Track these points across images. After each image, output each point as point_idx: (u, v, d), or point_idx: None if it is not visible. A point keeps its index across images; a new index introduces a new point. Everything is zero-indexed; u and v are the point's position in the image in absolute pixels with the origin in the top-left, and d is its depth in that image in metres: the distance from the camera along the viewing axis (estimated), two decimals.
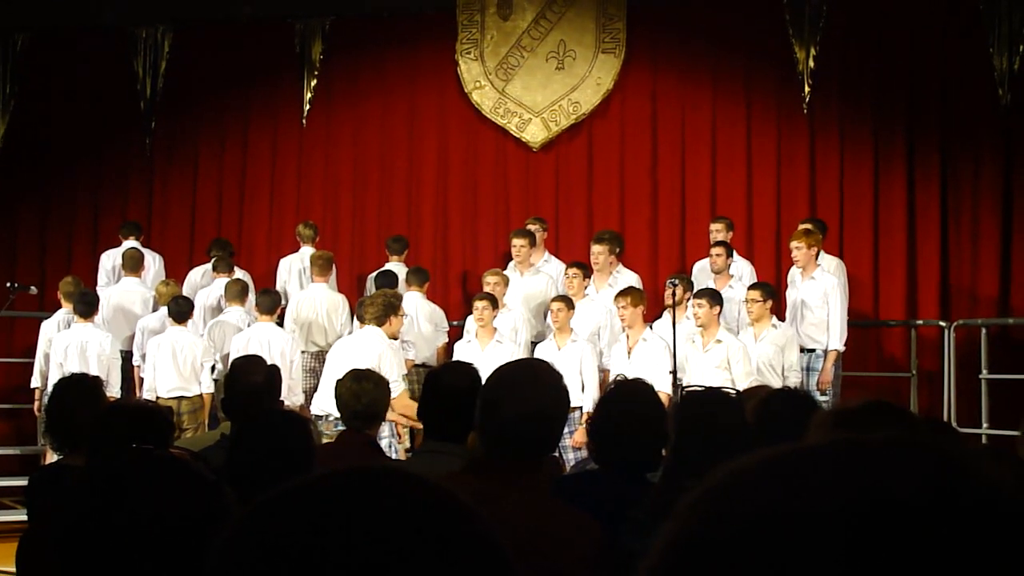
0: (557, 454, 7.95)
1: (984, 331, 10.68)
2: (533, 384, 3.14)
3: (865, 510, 0.67)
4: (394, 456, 8.06)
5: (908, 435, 0.72)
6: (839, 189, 11.87)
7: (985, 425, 10.30)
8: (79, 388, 5.00)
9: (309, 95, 13.07)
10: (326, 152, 13.08)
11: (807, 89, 11.91)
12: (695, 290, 9.79)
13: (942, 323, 11.06)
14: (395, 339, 8.94)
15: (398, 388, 8.50)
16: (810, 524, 0.68)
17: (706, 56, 12.28)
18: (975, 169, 11.51)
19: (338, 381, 5.44)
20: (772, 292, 9.74)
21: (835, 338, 9.79)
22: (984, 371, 10.52)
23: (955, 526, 0.67)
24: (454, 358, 9.54)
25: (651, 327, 9.67)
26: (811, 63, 11.91)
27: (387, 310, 8.78)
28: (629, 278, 10.64)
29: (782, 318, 10.03)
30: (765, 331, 9.43)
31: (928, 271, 11.58)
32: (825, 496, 0.69)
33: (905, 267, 11.62)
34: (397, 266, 11.35)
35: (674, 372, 9.08)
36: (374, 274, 11.17)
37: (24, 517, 5.67)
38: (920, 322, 11.32)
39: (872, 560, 0.66)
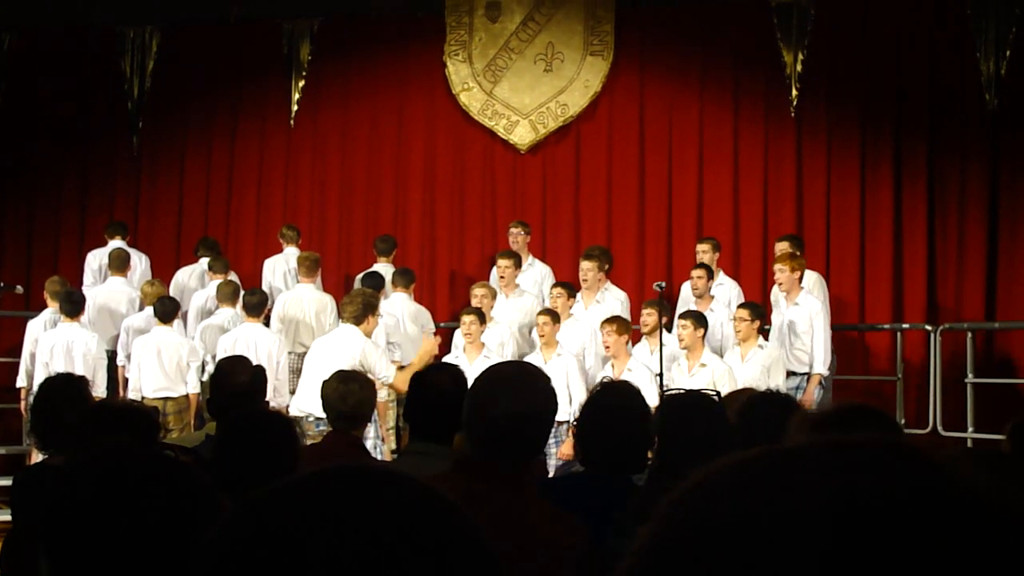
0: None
1: (970, 335, 10.70)
2: (523, 384, 3.14)
3: (842, 512, 0.68)
4: (379, 457, 8.06)
5: (885, 436, 0.73)
6: (826, 192, 11.89)
7: (971, 429, 10.33)
8: (65, 388, 4.99)
9: (297, 96, 13.06)
10: (314, 153, 13.07)
11: (795, 93, 11.94)
12: (681, 311, 9.80)
13: (928, 327, 11.07)
14: (369, 337, 8.95)
15: (392, 372, 8.61)
16: (787, 525, 0.68)
17: (694, 59, 12.30)
18: (962, 173, 11.54)
19: (324, 382, 5.43)
20: (761, 312, 9.74)
21: (819, 362, 9.71)
22: (970, 375, 10.54)
23: (931, 527, 0.67)
24: None
25: (632, 356, 9.64)
26: (799, 67, 11.93)
27: (366, 309, 8.84)
28: (617, 295, 10.60)
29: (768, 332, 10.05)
30: (751, 351, 9.42)
31: (914, 275, 11.61)
32: (802, 497, 0.69)
33: (891, 271, 11.64)
34: (384, 267, 11.33)
35: (660, 375, 9.09)
36: (361, 275, 11.15)
37: (8, 517, 5.65)
38: (906, 326, 11.33)
39: (849, 561, 0.66)
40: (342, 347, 8.57)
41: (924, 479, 0.70)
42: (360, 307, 8.83)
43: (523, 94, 12.56)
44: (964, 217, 11.51)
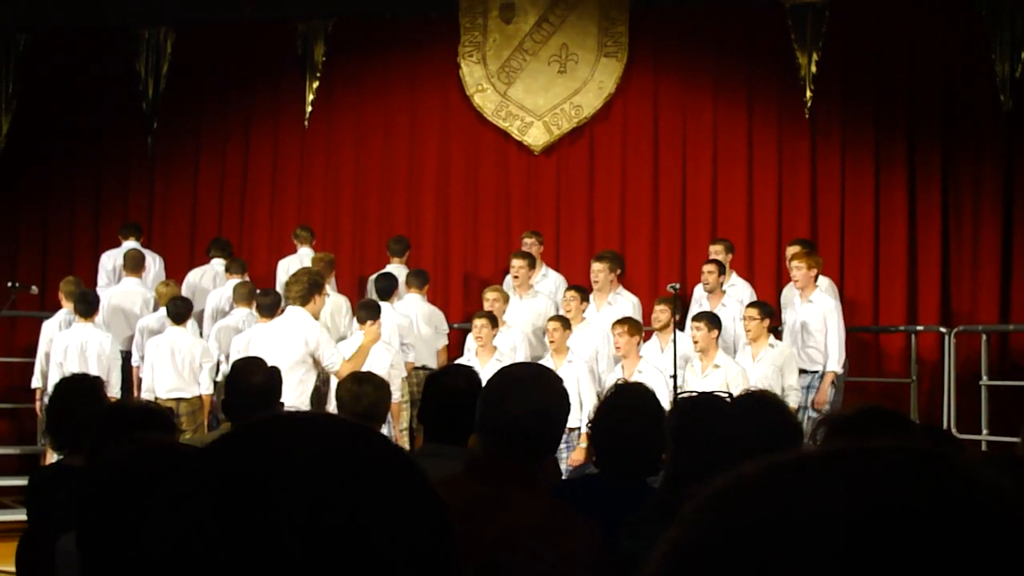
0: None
1: (984, 337, 10.68)
2: (537, 383, 3.14)
3: (867, 518, 0.68)
4: None
5: (910, 442, 0.73)
6: (840, 194, 11.86)
7: (985, 431, 10.30)
8: (80, 388, 5.00)
9: (311, 97, 13.07)
10: (327, 154, 13.08)
11: (809, 94, 11.92)
12: (695, 313, 9.77)
13: (943, 329, 11.05)
14: (316, 319, 8.67)
15: (338, 360, 8.27)
16: (813, 532, 0.68)
17: (708, 61, 12.29)
18: (976, 175, 11.51)
19: (339, 383, 5.45)
20: (770, 311, 9.72)
21: (833, 360, 9.72)
22: (984, 377, 10.51)
23: (956, 534, 0.67)
24: None
25: (642, 357, 9.60)
26: (813, 68, 11.91)
27: (312, 288, 8.48)
28: (629, 298, 10.58)
29: (780, 333, 10.01)
30: (763, 351, 9.40)
31: (929, 277, 11.58)
32: (828, 504, 0.69)
33: (906, 273, 11.62)
34: (398, 268, 11.33)
35: (674, 376, 9.07)
36: (374, 276, 11.16)
37: (24, 517, 5.67)
38: (921, 328, 11.31)
39: (874, 569, 0.66)
40: (290, 331, 8.29)
41: (950, 486, 0.70)
42: (306, 287, 8.45)
43: (537, 95, 12.56)
44: (979, 219, 11.48)
